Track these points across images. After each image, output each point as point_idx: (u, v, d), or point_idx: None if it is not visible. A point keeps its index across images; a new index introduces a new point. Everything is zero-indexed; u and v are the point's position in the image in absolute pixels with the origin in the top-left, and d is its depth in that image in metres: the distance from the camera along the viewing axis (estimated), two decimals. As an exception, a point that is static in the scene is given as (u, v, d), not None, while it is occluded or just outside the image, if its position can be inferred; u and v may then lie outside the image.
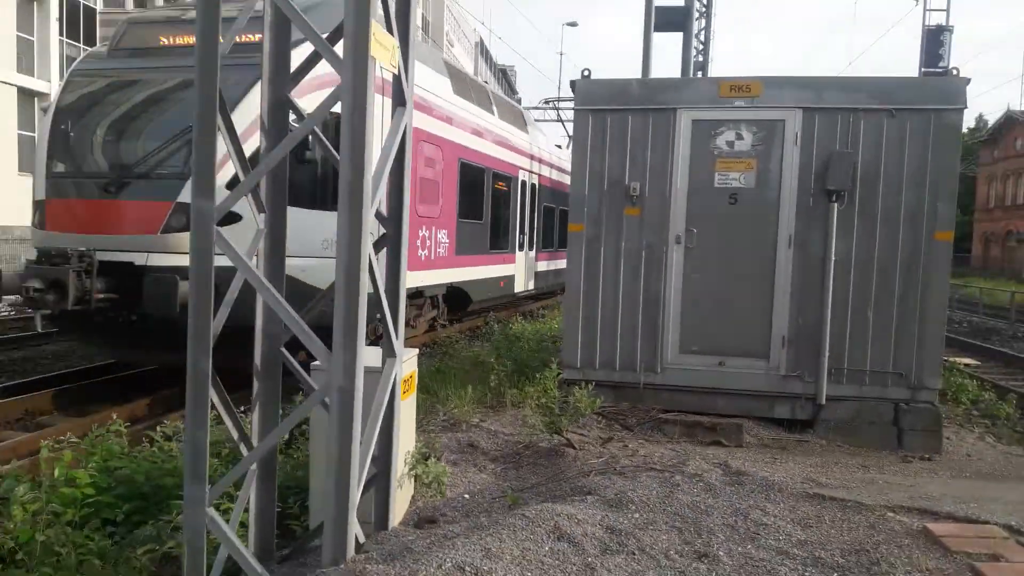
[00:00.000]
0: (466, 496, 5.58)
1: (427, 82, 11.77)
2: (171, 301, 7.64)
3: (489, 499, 5.56)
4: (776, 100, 7.40)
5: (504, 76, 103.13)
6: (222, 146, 3.51)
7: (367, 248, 3.41)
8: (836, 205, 7.30)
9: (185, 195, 8.02)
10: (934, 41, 24.52)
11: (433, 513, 5.29)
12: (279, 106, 3.95)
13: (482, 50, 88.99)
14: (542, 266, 19.41)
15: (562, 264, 18.16)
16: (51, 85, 28.24)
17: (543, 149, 19.91)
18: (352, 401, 3.43)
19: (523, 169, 17.43)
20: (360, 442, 3.53)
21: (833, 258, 7.34)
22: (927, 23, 24.65)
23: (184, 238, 7.77)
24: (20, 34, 26.96)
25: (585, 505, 4.37)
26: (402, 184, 4.03)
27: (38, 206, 9.27)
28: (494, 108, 15.99)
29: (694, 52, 18.89)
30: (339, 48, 3.32)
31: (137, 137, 8.79)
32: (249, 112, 7.86)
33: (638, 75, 17.53)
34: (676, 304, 7.57)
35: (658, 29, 17.98)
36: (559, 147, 24.89)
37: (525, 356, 9.45)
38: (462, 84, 14.27)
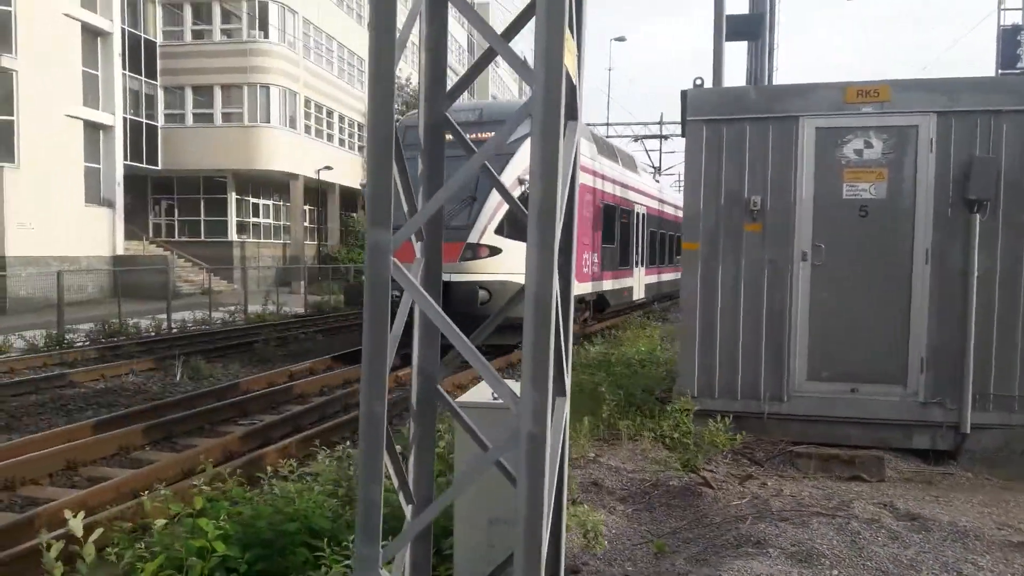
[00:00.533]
0: (604, 542, 5.14)
1: (581, 147, 13.18)
2: (472, 300, 12.70)
3: (629, 546, 5.11)
4: (907, 104, 6.88)
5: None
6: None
7: (554, 276, 3.00)
8: (978, 216, 6.74)
9: (472, 237, 13.21)
10: (1010, 42, 23.60)
11: (574, 562, 4.87)
12: (435, 127, 3.58)
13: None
14: (649, 280, 24.00)
15: (663, 278, 26.10)
16: (115, 118, 28.76)
17: (647, 184, 24.86)
18: (543, 449, 3.00)
19: (636, 203, 22.02)
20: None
21: (975, 273, 6.76)
22: (1002, 23, 23.74)
23: (472, 264, 13.12)
24: (86, 69, 27.50)
25: (769, 560, 3.89)
26: (572, 210, 3.63)
27: None
28: (619, 159, 21.04)
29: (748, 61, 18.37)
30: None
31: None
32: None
33: (693, 84, 17.02)
34: (803, 326, 7.05)
35: (730, 38, 17.47)
36: (657, 180, 30.94)
37: (629, 384, 8.98)
38: (600, 145, 19.65)
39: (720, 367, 7.20)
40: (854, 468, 6.59)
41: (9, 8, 23.65)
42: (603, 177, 18.56)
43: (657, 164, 53.72)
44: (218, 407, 10.06)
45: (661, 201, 26.14)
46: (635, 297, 22.41)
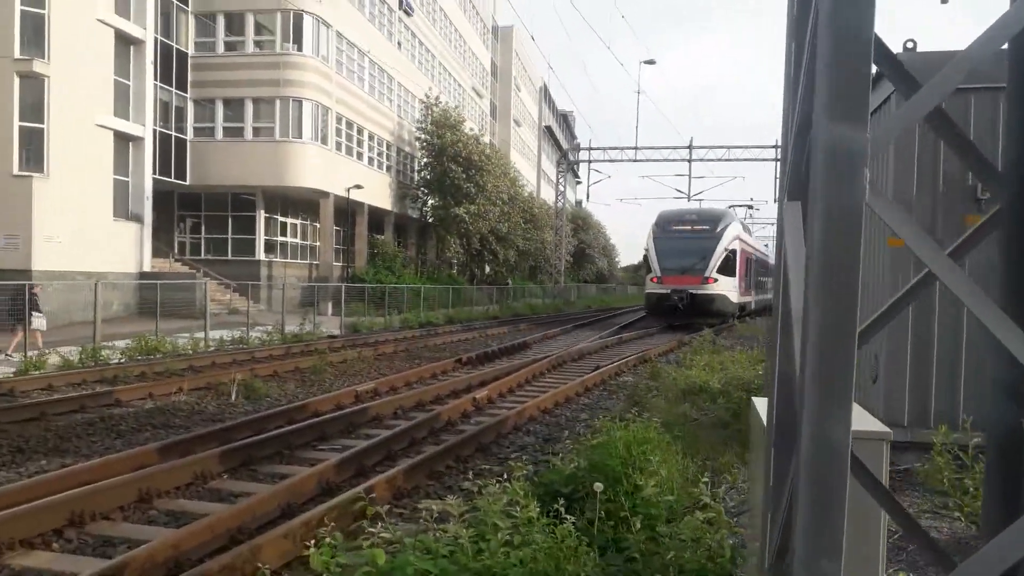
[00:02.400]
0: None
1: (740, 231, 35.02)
2: (712, 306, 30.37)
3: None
4: None
5: (564, 121, 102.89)
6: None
7: None
8: None
9: (707, 273, 30.44)
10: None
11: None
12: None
13: (546, 95, 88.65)
14: (749, 298, 37.15)
15: (758, 298, 40.29)
16: (146, 129, 27.84)
17: (753, 241, 43.15)
18: None
19: (751, 254, 37.64)
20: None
21: None
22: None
23: (710, 285, 30.38)
24: (117, 78, 26.63)
25: None
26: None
27: (655, 279, 31.63)
28: (751, 231, 44.25)
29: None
30: None
31: (689, 256, 30.57)
32: None
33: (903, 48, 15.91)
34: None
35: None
36: (750, 233, 45.84)
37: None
38: (743, 225, 39.10)
39: (936, 390, 5.95)
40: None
41: (43, 11, 22.81)
42: (746, 242, 36.40)
43: (687, 189, 52.70)
44: (293, 430, 8.83)
45: (756, 249, 41.24)
46: (751, 308, 38.43)
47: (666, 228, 32.56)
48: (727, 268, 31.34)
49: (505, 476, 5.22)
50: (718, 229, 31.69)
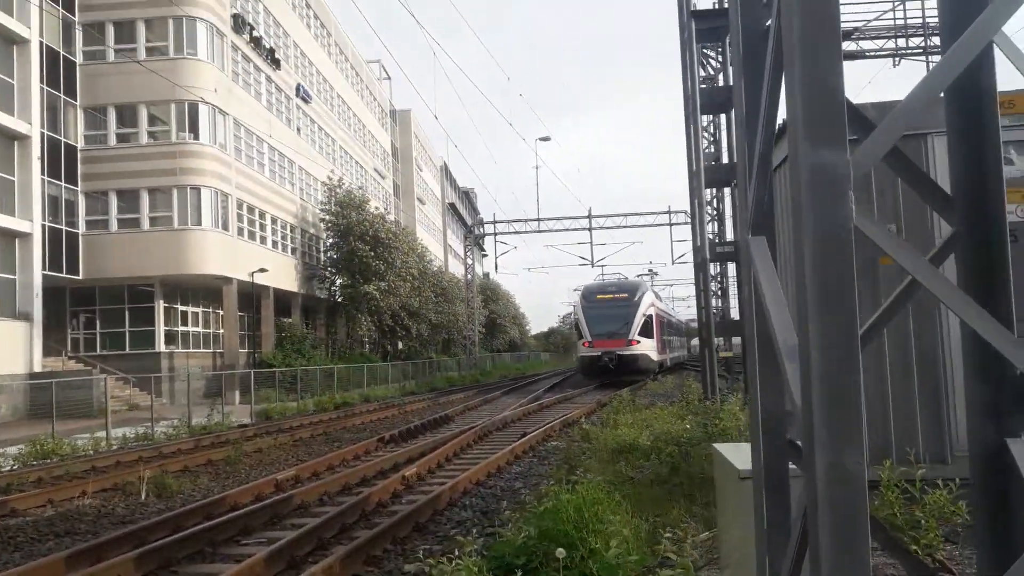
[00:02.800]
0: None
1: (654, 298, 40.90)
2: (636, 364, 34.76)
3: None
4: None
5: (467, 197, 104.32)
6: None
7: None
8: None
9: (631, 336, 35.28)
10: None
11: None
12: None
13: (447, 174, 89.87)
14: (665, 356, 41.78)
15: (672, 355, 47.59)
16: (33, 225, 26.56)
17: (664, 306, 49.51)
18: None
19: (662, 317, 42.27)
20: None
21: None
22: None
23: (634, 346, 35.16)
24: (1, 175, 25.44)
25: None
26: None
27: (587, 344, 36.08)
28: (662, 299, 49.09)
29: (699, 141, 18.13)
30: None
31: (614, 321, 35.44)
32: None
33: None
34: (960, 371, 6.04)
35: (706, 111, 17.27)
36: (660, 299, 48.88)
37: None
38: (655, 293, 44.41)
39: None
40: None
41: (-82, 106, 21.69)
42: (658, 308, 41.26)
43: (590, 256, 53.86)
44: (213, 525, 8.26)
45: (666, 312, 49.24)
46: (667, 364, 43.09)
47: (591, 299, 38.16)
48: (646, 331, 36.41)
49: (456, 552, 4.96)
50: (636, 298, 37.03)
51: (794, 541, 2.10)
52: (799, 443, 2.67)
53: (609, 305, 36.60)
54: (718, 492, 3.62)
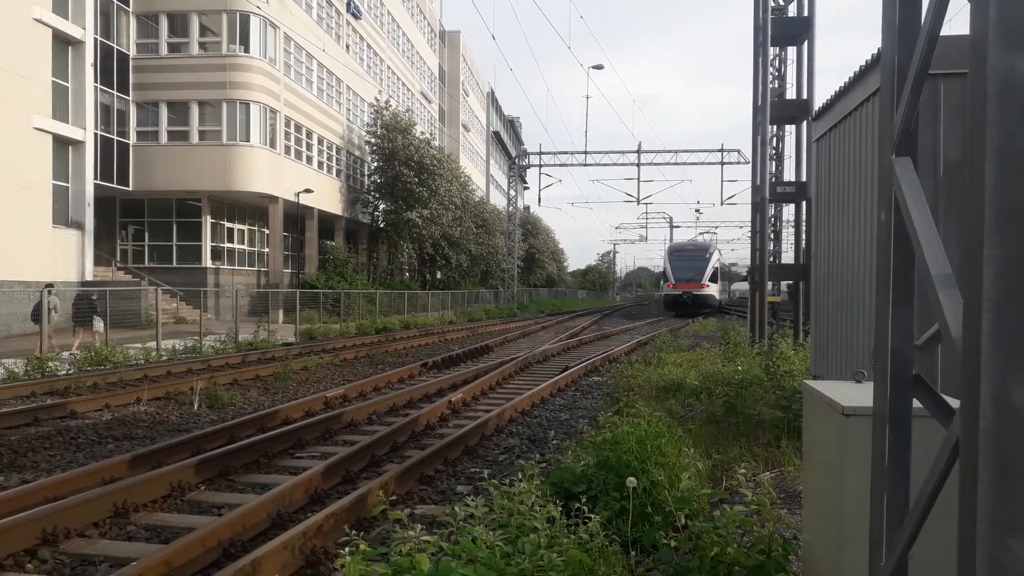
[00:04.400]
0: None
1: (718, 255, 55.87)
2: (704, 301, 49.10)
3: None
4: None
5: (512, 126, 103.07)
6: None
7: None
8: None
9: (704, 280, 49.60)
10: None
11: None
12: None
13: (493, 101, 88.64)
14: (725, 296, 57.49)
15: (729, 297, 70.75)
16: (86, 133, 26.78)
17: (723, 258, 62.01)
18: None
19: (724, 267, 59.32)
20: None
21: None
22: None
23: (704, 289, 49.19)
24: (55, 80, 25.55)
25: None
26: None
27: (671, 285, 50.03)
28: (722, 255, 60.98)
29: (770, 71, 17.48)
30: None
31: (691, 271, 49.66)
32: None
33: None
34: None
35: (775, 43, 16.60)
36: (721, 254, 59.73)
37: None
38: (719, 250, 57.16)
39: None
40: None
41: (-24, 10, 21.74)
42: (721, 262, 54.40)
43: (636, 193, 53.12)
44: (268, 438, 8.39)
45: (726, 264, 65.79)
46: (727, 302, 55.74)
47: (675, 253, 53.39)
48: (713, 278, 50.62)
49: (520, 476, 4.94)
50: (707, 254, 51.60)
51: (933, 479, 1.97)
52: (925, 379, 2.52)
53: (688, 258, 50.82)
54: (808, 429, 3.51)
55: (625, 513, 4.73)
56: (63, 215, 26.31)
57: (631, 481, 4.13)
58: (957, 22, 69.76)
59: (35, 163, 24.38)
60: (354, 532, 3.71)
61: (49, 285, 17.75)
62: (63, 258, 25.79)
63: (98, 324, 18.26)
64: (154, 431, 9.60)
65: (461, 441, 8.56)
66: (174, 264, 32.71)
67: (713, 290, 50.27)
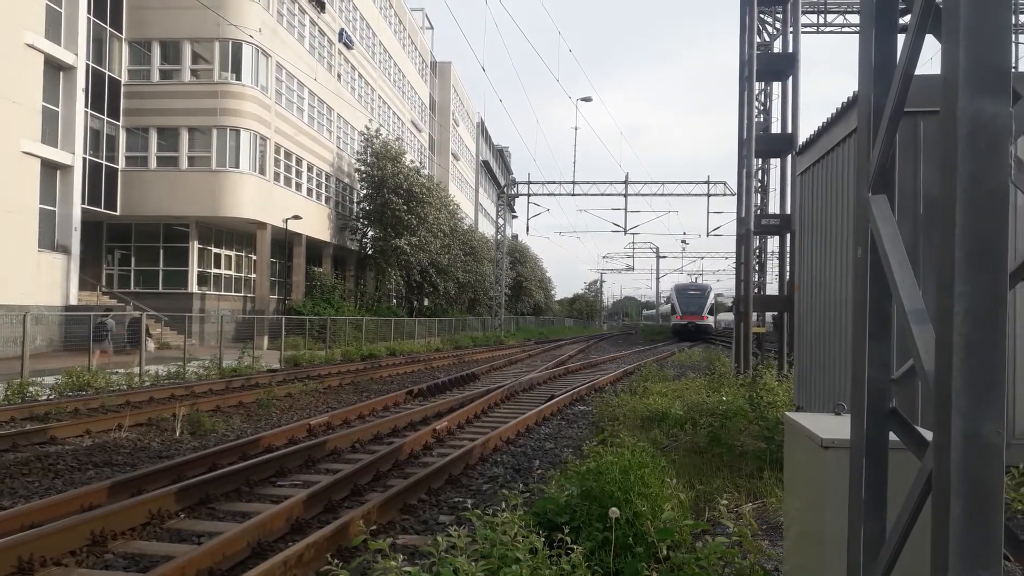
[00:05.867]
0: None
1: (713, 292, 67.61)
2: (706, 330, 61.09)
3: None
4: None
5: (501, 156, 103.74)
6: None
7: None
8: None
9: (704, 313, 62.43)
10: None
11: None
12: None
13: (482, 131, 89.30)
14: (717, 326, 65.66)
15: (720, 328, 70.00)
16: (75, 157, 26.77)
17: (716, 294, 69.96)
18: None
19: (718, 301, 71.46)
20: None
21: None
22: None
23: (704, 320, 61.63)
24: (46, 104, 25.58)
25: None
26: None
27: (679, 316, 62.71)
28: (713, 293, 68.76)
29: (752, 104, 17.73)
30: None
31: (694, 305, 61.91)
32: None
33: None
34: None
35: (760, 78, 16.85)
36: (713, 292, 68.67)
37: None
38: (712, 289, 68.19)
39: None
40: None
41: (-32, 33, 21.79)
42: (715, 298, 66.70)
43: (623, 223, 53.44)
44: (250, 465, 8.33)
45: (719, 297, 71.73)
46: (717, 330, 62.84)
47: (681, 291, 65.45)
48: (710, 312, 63.06)
49: (502, 506, 4.92)
50: (705, 293, 63.91)
51: (907, 512, 2.00)
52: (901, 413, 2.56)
53: (692, 296, 63.14)
54: (788, 460, 3.53)
55: (608, 544, 4.72)
56: (49, 239, 26.20)
57: (614, 512, 4.13)
58: (938, 60, 71.15)
59: (23, 187, 24.31)
60: (335, 562, 3.68)
61: (108, 308, 21.35)
62: (48, 282, 25.63)
63: (149, 344, 20.88)
64: (135, 457, 9.51)
65: (445, 470, 8.53)
66: (160, 289, 32.57)
67: (710, 321, 63.63)
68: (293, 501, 6.70)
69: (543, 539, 4.33)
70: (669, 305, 69.42)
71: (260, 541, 5.90)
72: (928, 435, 2.48)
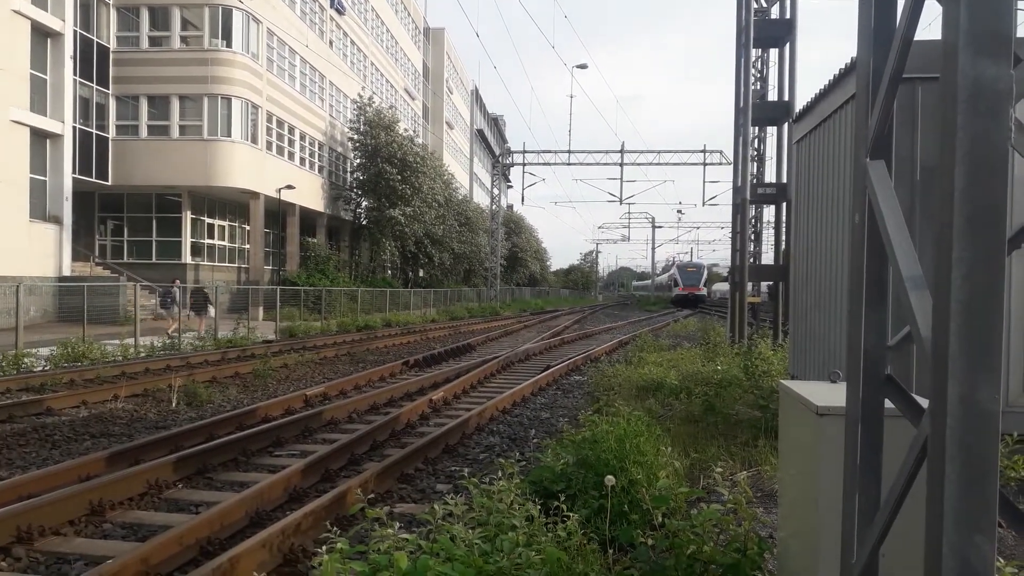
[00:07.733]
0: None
1: (707, 268, 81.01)
2: (703, 299, 72.19)
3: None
4: None
5: (495, 124, 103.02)
6: None
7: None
8: None
9: (700, 285, 73.82)
10: None
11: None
12: None
13: (477, 99, 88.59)
14: (712, 297, 79.21)
15: (715, 298, 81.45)
16: (64, 126, 26.50)
17: (710, 267, 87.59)
18: None
19: (712, 276, 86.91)
20: None
21: None
22: None
23: (700, 291, 72.69)
24: (34, 72, 25.25)
25: None
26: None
27: (681, 288, 72.98)
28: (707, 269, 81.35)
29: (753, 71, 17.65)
30: None
31: (692, 278, 73.69)
32: None
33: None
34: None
35: (757, 45, 16.70)
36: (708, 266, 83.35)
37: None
38: (708, 265, 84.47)
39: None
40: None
41: (-47, 0, 21.44)
42: (710, 271, 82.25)
43: (619, 192, 53.29)
44: (247, 435, 8.36)
45: (714, 271, 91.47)
46: (712, 300, 76.03)
47: (682, 267, 76.00)
48: (706, 284, 73.65)
49: (499, 474, 4.95)
50: (702, 269, 74.78)
51: (902, 478, 2.00)
52: (897, 379, 2.56)
53: (690, 273, 73.17)
54: (783, 428, 3.55)
55: (603, 511, 4.75)
56: (40, 209, 26.02)
57: (610, 479, 4.16)
58: (937, 26, 70.58)
59: (12, 156, 24.09)
60: (334, 530, 3.70)
61: (175, 278, 23.25)
62: (40, 253, 25.50)
63: (211, 311, 21.92)
64: (131, 428, 9.53)
65: (442, 439, 8.57)
66: (153, 260, 32.46)
67: (705, 292, 74.27)
68: (291, 471, 6.73)
69: (539, 507, 4.36)
70: (671, 279, 79.21)
71: (258, 510, 5.94)
72: (924, 402, 2.48)
